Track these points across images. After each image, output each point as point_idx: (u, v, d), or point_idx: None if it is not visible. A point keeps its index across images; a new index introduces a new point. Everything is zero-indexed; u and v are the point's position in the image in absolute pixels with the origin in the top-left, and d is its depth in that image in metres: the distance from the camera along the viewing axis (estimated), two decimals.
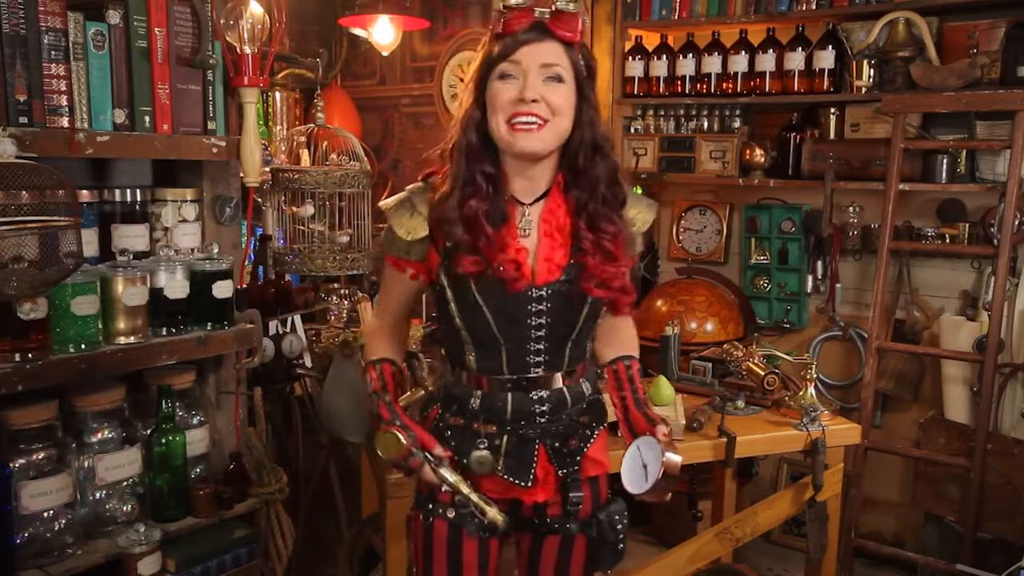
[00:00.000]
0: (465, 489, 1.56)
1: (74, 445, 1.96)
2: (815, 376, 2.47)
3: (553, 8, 1.49)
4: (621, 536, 1.70)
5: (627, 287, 1.60)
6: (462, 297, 1.56)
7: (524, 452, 1.61)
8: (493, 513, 1.55)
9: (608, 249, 1.55)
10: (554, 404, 1.63)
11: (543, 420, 1.62)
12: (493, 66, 1.50)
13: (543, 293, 1.56)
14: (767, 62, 3.37)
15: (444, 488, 1.58)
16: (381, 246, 1.69)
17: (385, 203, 1.64)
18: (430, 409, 1.72)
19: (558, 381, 1.63)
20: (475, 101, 1.54)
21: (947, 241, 3.16)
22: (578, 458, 1.65)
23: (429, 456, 1.56)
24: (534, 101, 1.47)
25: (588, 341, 1.69)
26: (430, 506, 1.65)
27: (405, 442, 1.54)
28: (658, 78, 3.62)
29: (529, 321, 1.56)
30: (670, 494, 1.66)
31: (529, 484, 1.61)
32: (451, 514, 1.63)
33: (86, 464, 1.96)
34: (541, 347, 1.59)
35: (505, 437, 1.61)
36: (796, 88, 3.31)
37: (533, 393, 1.61)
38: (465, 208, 1.51)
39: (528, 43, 1.48)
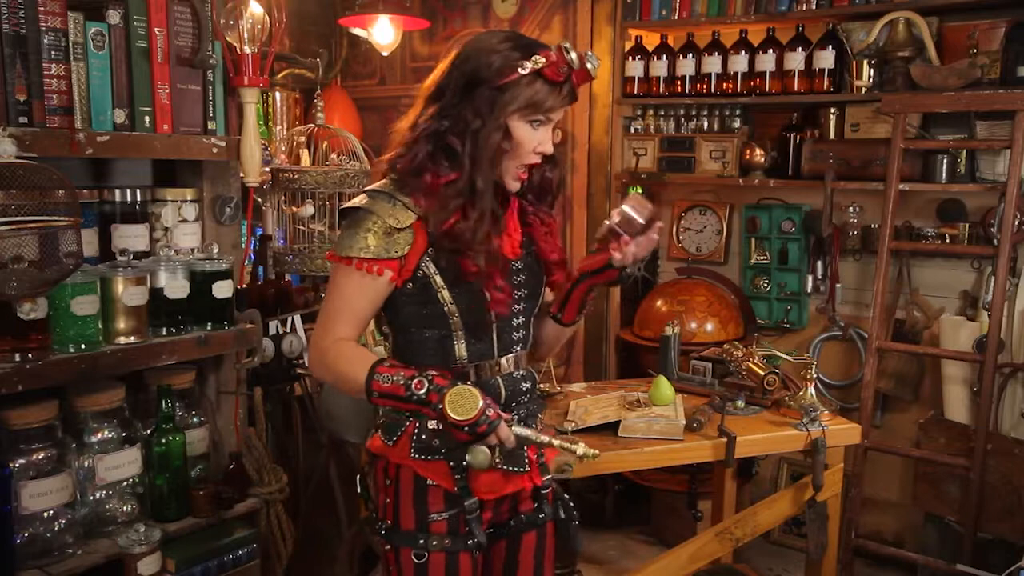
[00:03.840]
0: (545, 437, 1.51)
1: (74, 445, 1.96)
2: (815, 376, 2.47)
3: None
4: (576, 512, 1.73)
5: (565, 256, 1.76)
6: (455, 278, 1.56)
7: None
8: (583, 448, 1.49)
9: (549, 223, 1.72)
10: (531, 382, 1.70)
11: (526, 400, 1.67)
12: (536, 111, 1.53)
13: (519, 265, 1.65)
14: (767, 62, 3.37)
15: (517, 444, 1.50)
16: (336, 253, 1.56)
17: (357, 201, 1.58)
18: (401, 430, 1.59)
19: (525, 360, 1.69)
20: (505, 136, 1.53)
21: (947, 241, 3.16)
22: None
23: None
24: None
25: None
26: (421, 541, 1.58)
27: (479, 394, 1.43)
28: (658, 78, 3.62)
29: (515, 294, 1.63)
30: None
31: (527, 469, 1.63)
32: (447, 542, 1.58)
33: (86, 464, 1.96)
34: (520, 322, 1.65)
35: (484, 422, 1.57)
36: (796, 88, 3.31)
37: (516, 372, 1.65)
38: (491, 245, 1.55)
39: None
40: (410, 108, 1.64)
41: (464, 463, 1.51)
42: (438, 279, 1.56)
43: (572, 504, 1.72)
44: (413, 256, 1.55)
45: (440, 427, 1.55)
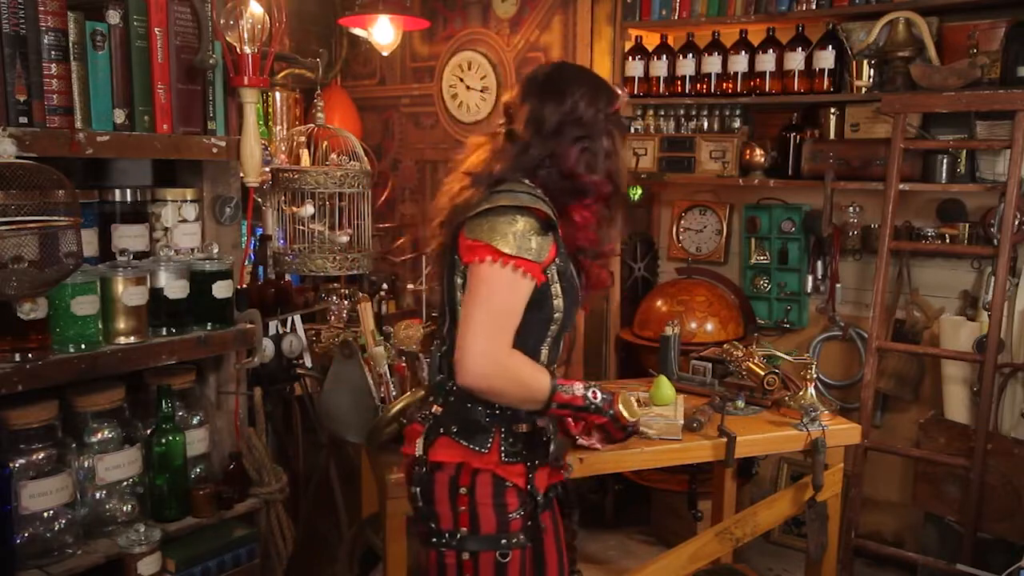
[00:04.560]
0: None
1: (74, 445, 1.96)
2: (815, 376, 2.47)
3: None
4: (574, 499, 1.93)
5: None
6: (570, 287, 1.67)
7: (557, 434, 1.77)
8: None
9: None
10: None
11: None
12: (623, 137, 1.76)
13: None
14: (767, 62, 3.37)
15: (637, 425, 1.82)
16: (505, 249, 1.54)
17: (517, 200, 1.58)
18: (489, 438, 1.63)
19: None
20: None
21: (947, 241, 3.16)
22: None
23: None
24: None
25: None
26: (503, 541, 1.63)
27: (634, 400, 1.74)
28: (658, 78, 3.62)
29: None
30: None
31: (572, 468, 1.86)
32: (522, 538, 1.66)
33: (86, 464, 1.96)
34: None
35: (548, 423, 1.71)
36: (796, 88, 3.31)
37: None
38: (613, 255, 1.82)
39: None
40: (497, 124, 1.77)
41: (548, 460, 1.70)
42: (556, 287, 1.63)
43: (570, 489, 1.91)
44: (547, 263, 1.62)
45: (521, 431, 1.66)
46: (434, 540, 1.65)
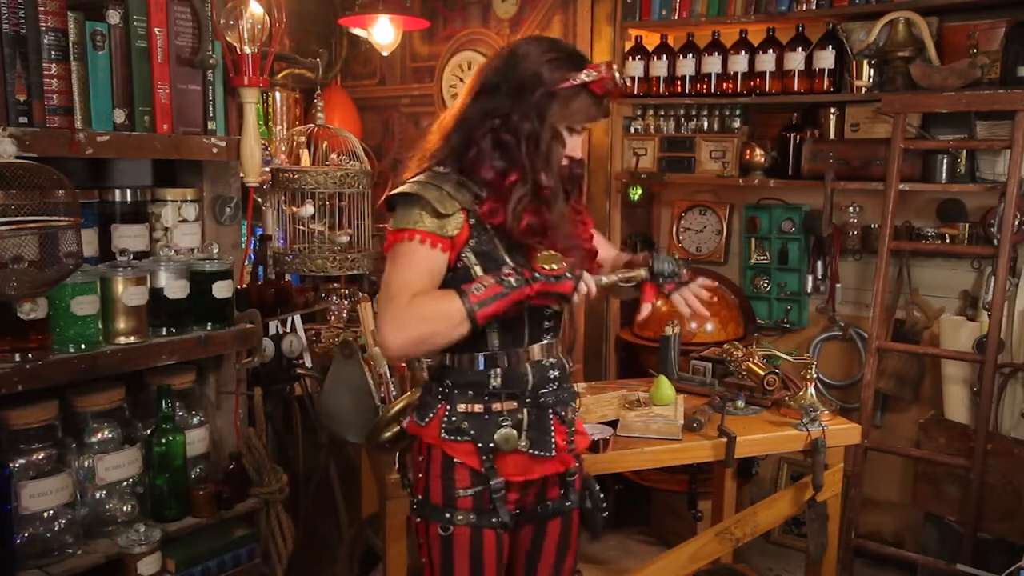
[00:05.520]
0: (616, 275, 1.69)
1: (74, 445, 1.96)
2: (815, 376, 2.47)
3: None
4: (604, 502, 1.82)
5: None
6: (495, 268, 1.60)
7: (542, 423, 1.69)
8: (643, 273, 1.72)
9: (582, 212, 1.84)
10: (560, 372, 1.74)
11: (554, 387, 1.71)
12: (579, 120, 1.63)
13: None
14: (767, 62, 3.37)
15: (604, 284, 1.67)
16: (393, 229, 1.61)
17: (404, 187, 1.62)
18: (432, 412, 1.68)
19: (558, 348, 1.75)
20: (556, 138, 1.62)
21: (947, 241, 3.16)
22: (573, 428, 1.76)
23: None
24: None
25: None
26: (447, 515, 1.65)
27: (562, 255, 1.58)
28: (658, 78, 3.62)
29: None
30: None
31: (552, 454, 1.69)
32: (472, 517, 1.65)
33: (86, 464, 1.96)
34: (551, 311, 1.71)
35: (525, 411, 1.67)
36: (796, 88, 3.31)
37: (546, 360, 1.70)
38: (579, 240, 1.73)
39: None
40: (453, 103, 1.71)
41: (491, 445, 1.63)
42: (477, 269, 1.61)
43: (601, 495, 1.80)
44: (458, 243, 1.61)
45: (470, 411, 1.64)
46: (411, 502, 1.75)
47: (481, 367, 1.66)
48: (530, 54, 1.61)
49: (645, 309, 1.75)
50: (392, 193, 1.65)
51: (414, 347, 1.56)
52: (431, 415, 1.68)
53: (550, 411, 1.70)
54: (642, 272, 1.74)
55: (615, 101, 3.59)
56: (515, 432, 1.64)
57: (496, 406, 1.66)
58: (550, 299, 1.58)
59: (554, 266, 1.55)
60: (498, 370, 1.66)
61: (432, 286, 1.59)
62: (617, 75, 1.60)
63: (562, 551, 1.80)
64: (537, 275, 1.54)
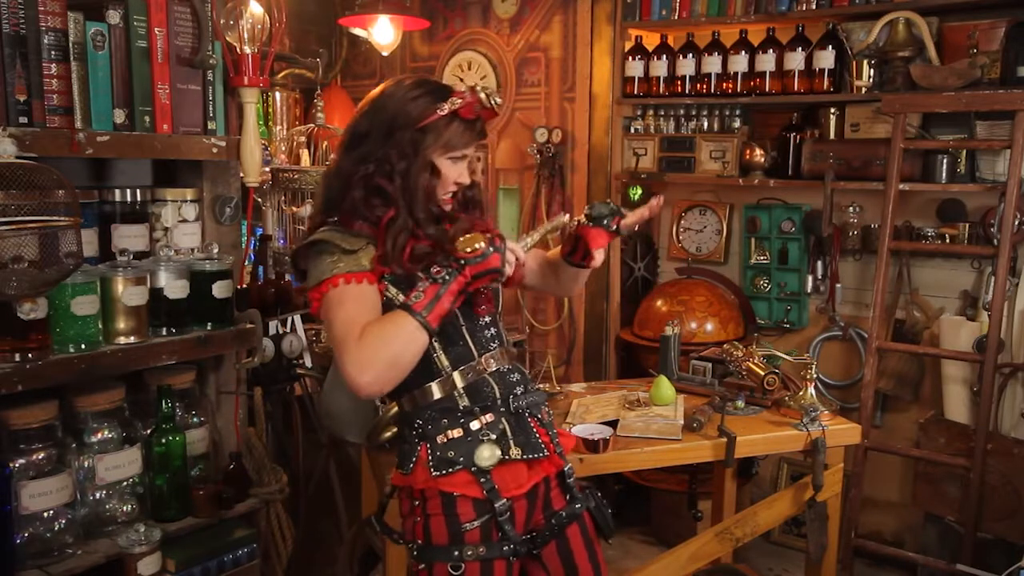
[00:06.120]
0: (549, 224, 1.74)
1: (74, 445, 1.96)
2: (815, 376, 2.47)
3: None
4: (605, 501, 1.83)
5: None
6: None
7: (524, 427, 1.69)
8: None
9: (488, 227, 1.79)
10: (520, 375, 1.75)
11: (521, 391, 1.71)
12: (455, 148, 1.66)
13: None
14: (767, 62, 3.37)
15: (531, 244, 1.71)
16: (313, 285, 1.61)
17: (308, 240, 1.65)
18: (413, 457, 1.65)
19: (508, 355, 1.75)
20: (433, 172, 1.65)
21: (947, 241, 3.16)
22: (553, 429, 1.77)
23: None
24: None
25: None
26: (455, 553, 1.62)
27: (480, 232, 1.59)
28: (658, 78, 3.62)
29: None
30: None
31: (545, 454, 1.69)
32: (482, 550, 1.62)
33: (86, 464, 1.97)
34: (487, 320, 1.73)
35: (504, 420, 1.67)
36: (796, 88, 3.31)
37: (501, 367, 1.71)
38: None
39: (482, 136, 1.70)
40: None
41: (473, 463, 1.61)
42: (400, 299, 1.60)
43: (599, 493, 1.82)
44: (377, 274, 1.62)
45: (451, 438, 1.63)
46: (410, 550, 1.70)
47: (442, 393, 1.65)
48: (395, 94, 1.65)
49: (599, 255, 1.77)
50: (295, 250, 1.67)
51: (386, 373, 1.54)
52: (413, 460, 1.65)
53: (527, 414, 1.70)
54: (577, 218, 1.77)
55: (616, 102, 3.61)
56: (498, 449, 1.63)
57: (474, 424, 1.65)
58: (485, 278, 1.60)
59: (478, 246, 1.57)
60: (460, 389, 1.65)
61: (376, 316, 1.59)
62: (483, 96, 1.63)
63: (591, 549, 1.79)
64: (462, 261, 1.56)
